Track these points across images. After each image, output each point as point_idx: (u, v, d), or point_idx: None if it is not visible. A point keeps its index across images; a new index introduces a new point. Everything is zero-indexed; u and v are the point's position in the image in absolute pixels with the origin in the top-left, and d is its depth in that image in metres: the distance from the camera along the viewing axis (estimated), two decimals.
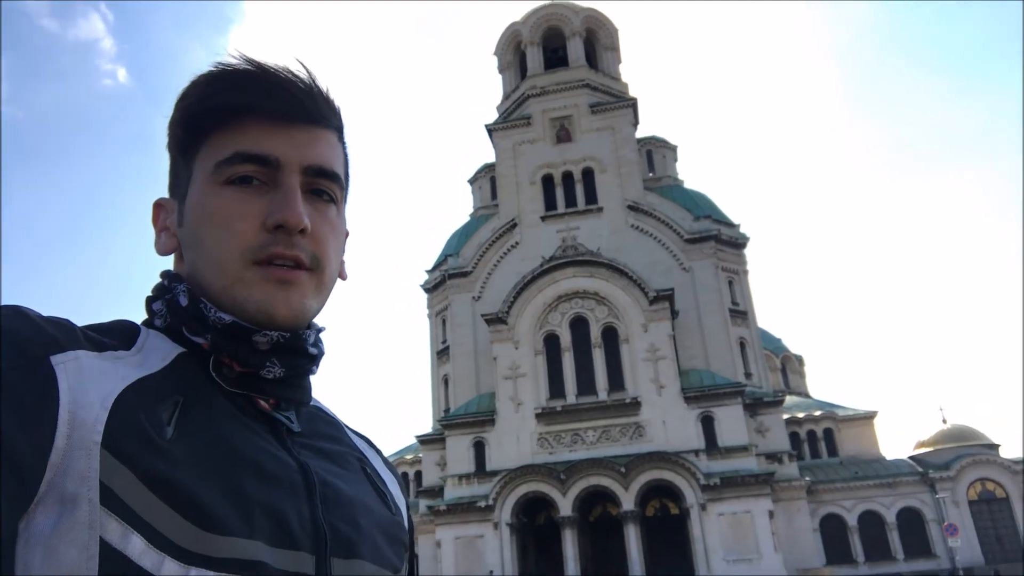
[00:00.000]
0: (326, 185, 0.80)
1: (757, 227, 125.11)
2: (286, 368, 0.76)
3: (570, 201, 43.83)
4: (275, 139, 0.76)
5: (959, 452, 37.98)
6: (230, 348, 0.74)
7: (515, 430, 36.39)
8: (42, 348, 0.63)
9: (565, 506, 33.79)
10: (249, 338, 0.74)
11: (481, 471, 36.10)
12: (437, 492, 37.64)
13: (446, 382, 43.74)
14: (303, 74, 0.79)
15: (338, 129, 0.83)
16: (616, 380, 36.79)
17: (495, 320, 38.55)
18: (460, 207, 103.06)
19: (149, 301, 0.81)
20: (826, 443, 41.77)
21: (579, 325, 38.22)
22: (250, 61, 0.77)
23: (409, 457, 44.53)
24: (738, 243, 43.97)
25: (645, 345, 36.78)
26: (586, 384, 37.03)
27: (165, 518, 0.61)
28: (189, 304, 0.76)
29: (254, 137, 0.76)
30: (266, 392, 0.77)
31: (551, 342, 38.14)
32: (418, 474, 42.90)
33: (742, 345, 41.49)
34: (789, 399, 44.91)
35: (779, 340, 57.24)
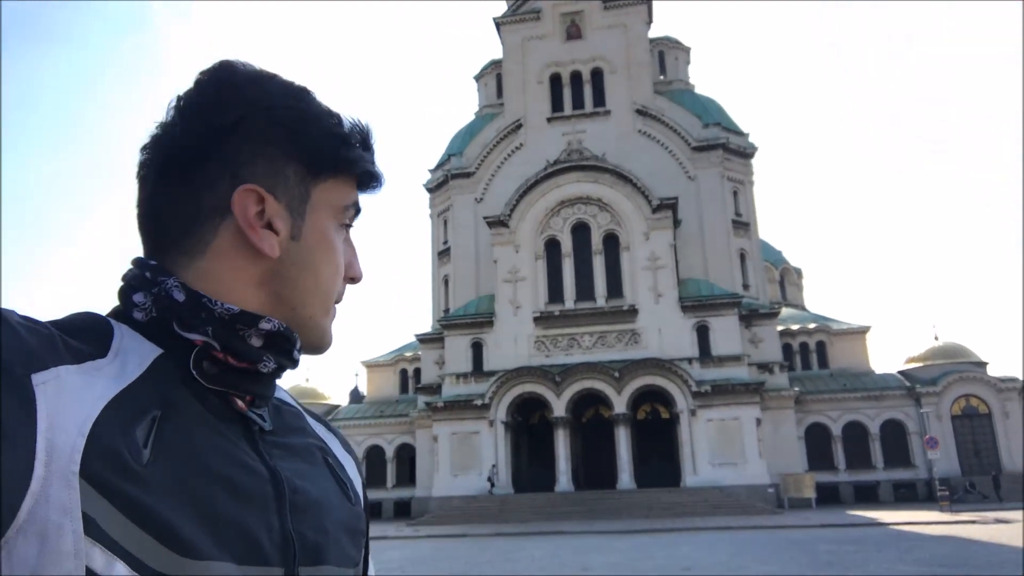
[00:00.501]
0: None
1: (765, 136, 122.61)
2: (278, 365, 0.78)
3: (577, 103, 42.83)
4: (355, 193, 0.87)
5: (947, 368, 38.74)
6: (231, 342, 0.75)
7: (513, 333, 36.97)
8: (24, 366, 0.61)
9: (559, 407, 34.78)
10: (247, 330, 0.76)
11: (479, 371, 36.93)
12: (435, 389, 38.64)
13: (446, 283, 44.08)
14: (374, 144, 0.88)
15: None
16: (615, 287, 37.07)
17: (497, 223, 38.46)
18: (465, 105, 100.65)
19: (127, 292, 0.77)
20: (818, 355, 42.57)
21: (580, 231, 38.15)
22: (362, 128, 0.85)
23: (409, 355, 45.46)
24: (746, 153, 43.27)
25: (646, 253, 36.83)
26: (585, 290, 37.33)
27: (145, 546, 0.61)
28: (187, 299, 0.75)
29: (353, 190, 0.86)
30: (242, 389, 0.77)
31: (552, 247, 38.18)
32: (417, 371, 43.96)
33: (742, 256, 41.55)
34: (785, 311, 45.41)
35: (779, 252, 57.32)
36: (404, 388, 45.22)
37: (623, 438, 34.13)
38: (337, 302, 0.85)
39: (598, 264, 37.44)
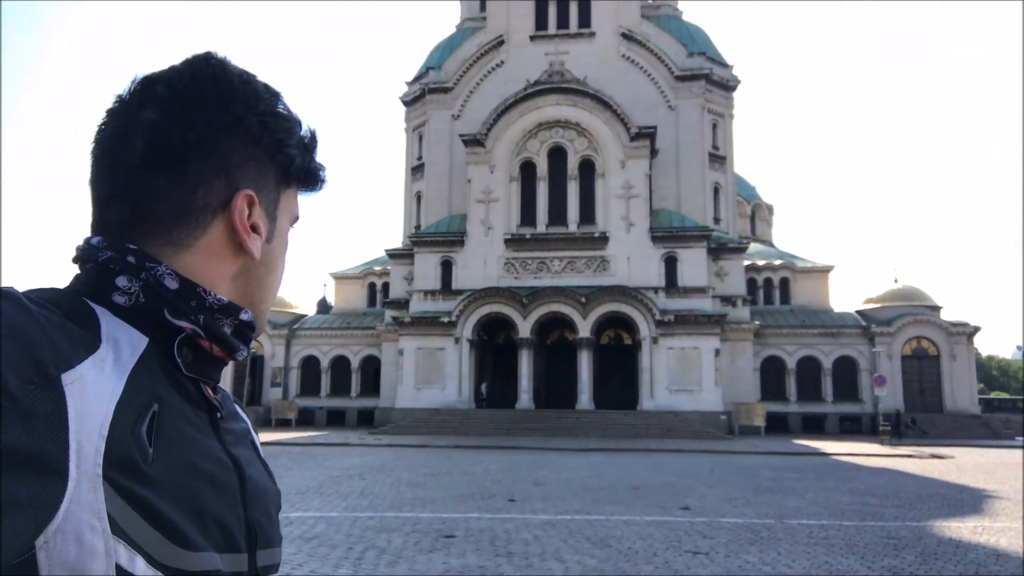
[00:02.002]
0: None
1: (748, 69, 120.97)
2: (245, 352, 0.85)
3: (562, 22, 41.72)
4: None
5: (903, 311, 39.88)
6: (216, 331, 0.79)
7: (483, 253, 37.06)
8: (55, 365, 0.63)
9: (525, 329, 35.31)
10: (224, 320, 0.81)
11: (447, 289, 37.14)
12: (403, 304, 38.86)
13: (419, 199, 43.69)
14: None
15: None
16: (587, 214, 37.13)
17: (473, 142, 37.94)
18: (447, 16, 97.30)
19: (108, 274, 0.76)
20: (781, 291, 43.46)
21: (557, 155, 37.85)
22: (315, 137, 0.91)
23: (378, 269, 45.40)
24: (728, 85, 42.84)
25: (621, 182, 36.79)
26: (557, 215, 37.35)
27: (154, 541, 0.65)
28: (180, 287, 0.76)
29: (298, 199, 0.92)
30: (210, 376, 0.81)
31: (527, 169, 37.91)
32: (386, 285, 44.04)
33: (716, 190, 41.71)
34: (753, 246, 46.00)
35: (753, 188, 57.55)
36: (372, 301, 45.34)
37: (585, 361, 34.91)
38: None
39: (572, 189, 37.35)
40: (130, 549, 0.63)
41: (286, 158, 0.85)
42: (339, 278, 46.62)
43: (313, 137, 0.90)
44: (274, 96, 0.86)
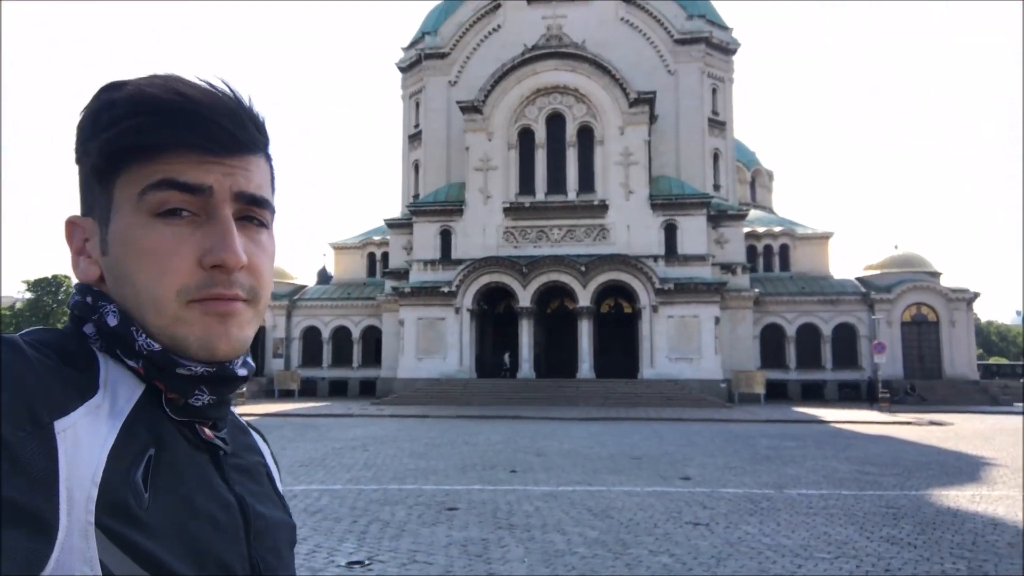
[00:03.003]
0: (257, 212, 0.78)
1: (748, 32, 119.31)
2: (215, 395, 0.77)
3: None
4: (205, 168, 0.73)
5: (902, 277, 39.86)
6: (159, 375, 0.74)
7: (482, 222, 36.92)
8: (48, 413, 0.62)
9: (525, 298, 35.32)
10: (173, 368, 0.74)
11: (446, 259, 37.07)
12: (403, 274, 38.83)
13: (417, 168, 43.37)
14: (231, 100, 0.75)
15: (266, 149, 0.81)
16: (587, 181, 36.90)
17: (470, 108, 37.55)
18: None
19: (78, 322, 0.76)
20: (780, 258, 43.39)
21: (555, 122, 37.50)
22: (174, 89, 0.73)
23: (377, 239, 45.26)
24: (728, 49, 42.27)
25: (620, 148, 36.50)
26: (556, 183, 37.12)
27: None
28: (119, 325, 0.74)
29: (183, 166, 0.73)
30: (206, 416, 0.78)
31: (525, 136, 37.58)
32: (385, 255, 43.95)
33: (716, 156, 41.40)
34: (753, 213, 45.81)
35: (753, 153, 57.16)
36: (372, 271, 45.30)
37: (585, 330, 34.99)
38: (212, 298, 0.74)
39: (571, 157, 37.08)
40: None
41: (88, 153, 0.76)
42: (338, 248, 46.51)
43: (128, 101, 0.73)
44: (90, 103, 0.77)
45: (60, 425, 0.62)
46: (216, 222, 0.74)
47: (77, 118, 0.77)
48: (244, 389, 33.53)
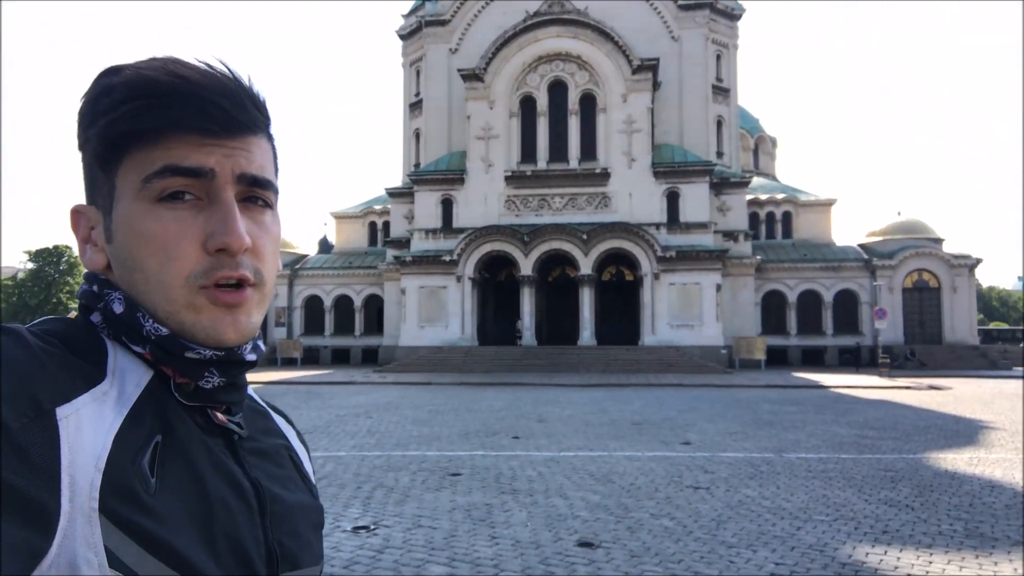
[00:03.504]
0: (261, 193, 0.77)
1: None
2: (225, 377, 0.77)
3: None
4: (206, 151, 0.73)
5: (904, 243, 39.81)
6: (168, 359, 0.74)
7: (484, 191, 36.80)
8: (50, 399, 0.62)
9: (526, 266, 35.34)
10: (182, 352, 0.74)
11: (448, 228, 37.02)
12: (404, 243, 38.82)
13: (418, 136, 43.09)
14: (230, 81, 0.75)
15: (267, 129, 0.80)
16: (589, 149, 36.69)
17: (471, 76, 37.20)
18: None
19: (86, 312, 0.77)
20: (783, 225, 43.30)
21: (557, 89, 37.16)
22: (172, 72, 0.73)
23: (378, 208, 45.16)
24: (733, 14, 41.71)
25: (622, 116, 36.22)
26: (558, 151, 36.91)
27: (157, 573, 0.64)
28: (125, 312, 0.74)
29: (184, 150, 0.72)
30: (217, 400, 0.78)
31: (527, 104, 37.28)
32: (386, 224, 43.91)
33: (719, 123, 41.08)
34: (755, 180, 45.58)
35: (756, 120, 56.67)
36: (373, 240, 45.29)
37: (587, 298, 35.06)
38: (219, 281, 0.73)
39: (573, 125, 36.81)
40: None
41: (89, 139, 0.76)
42: (340, 217, 46.43)
43: (126, 87, 0.72)
44: (89, 90, 0.75)
45: (62, 411, 0.62)
46: (219, 205, 0.73)
47: (77, 105, 0.76)
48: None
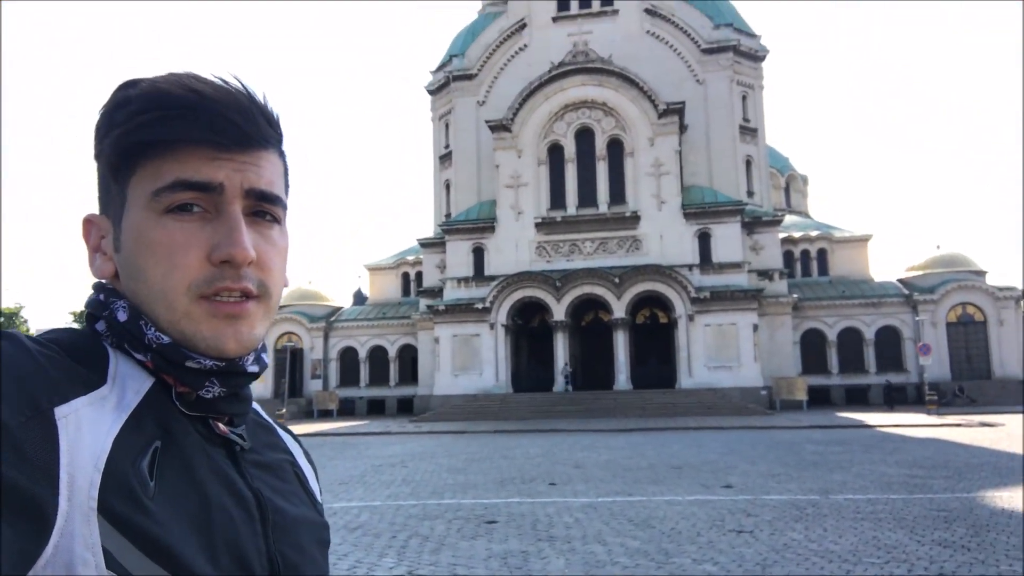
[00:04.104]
0: (269, 208, 0.78)
1: (777, 38, 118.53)
2: (226, 388, 0.77)
3: (584, 1, 41.22)
4: (216, 165, 0.74)
5: (946, 277, 38.93)
6: (169, 368, 0.74)
7: (514, 238, 37.03)
8: (48, 399, 0.62)
9: (559, 311, 35.26)
10: (183, 361, 0.74)
11: (480, 275, 37.21)
12: (437, 292, 39.06)
13: (448, 187, 43.74)
14: (243, 96, 0.77)
15: (279, 145, 0.82)
16: (618, 193, 36.84)
17: (499, 127, 37.82)
18: (469, 3, 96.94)
19: (91, 319, 0.78)
20: (818, 263, 42.73)
21: (584, 136, 37.56)
22: (186, 85, 0.74)
23: (411, 259, 45.65)
24: (757, 55, 42.01)
25: (650, 159, 36.39)
26: (587, 196, 37.12)
27: (154, 575, 0.63)
28: (128, 320, 0.75)
29: (195, 164, 0.73)
30: (219, 410, 0.78)
31: (555, 152, 37.70)
32: (419, 275, 44.29)
33: (748, 163, 41.04)
34: (788, 218, 45.26)
35: (786, 159, 56.54)
36: (406, 291, 45.68)
37: (621, 341, 34.77)
38: (221, 292, 0.74)
39: (601, 170, 37.07)
40: None
41: (104, 150, 0.76)
42: (373, 269, 47.01)
43: (142, 97, 0.74)
44: (109, 101, 0.77)
45: (60, 411, 0.63)
46: (225, 218, 0.74)
47: (95, 117, 0.78)
48: (284, 410, 33.93)
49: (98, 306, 0.77)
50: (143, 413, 0.69)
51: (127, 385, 0.71)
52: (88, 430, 0.64)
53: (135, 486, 0.64)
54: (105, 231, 0.78)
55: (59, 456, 0.61)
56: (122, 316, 0.75)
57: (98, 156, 0.78)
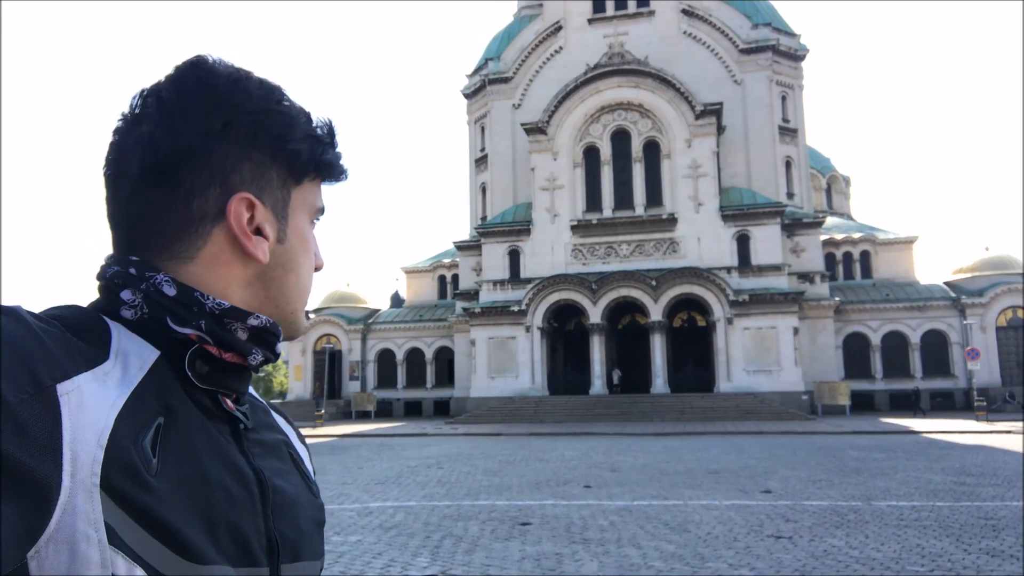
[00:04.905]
0: None
1: (818, 37, 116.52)
2: (265, 356, 0.80)
3: (620, 3, 41.02)
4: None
5: (995, 280, 37.81)
6: (222, 336, 0.76)
7: (550, 240, 36.97)
8: (50, 376, 0.62)
9: (595, 314, 35.08)
10: (234, 324, 0.78)
11: (515, 278, 37.22)
12: (473, 295, 39.18)
13: (484, 190, 43.86)
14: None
15: None
16: (654, 195, 36.55)
17: (534, 130, 37.81)
18: (504, 6, 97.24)
19: (115, 288, 0.76)
20: (861, 265, 41.84)
21: (620, 138, 37.35)
22: (332, 127, 0.88)
23: (447, 261, 45.87)
24: (796, 55, 41.34)
25: (687, 161, 36.04)
26: (623, 198, 36.89)
27: (156, 552, 0.64)
28: (178, 293, 0.75)
29: (321, 190, 0.90)
30: (229, 388, 0.79)
31: (591, 154, 37.55)
32: (455, 277, 44.49)
33: (788, 164, 40.38)
34: (830, 220, 44.42)
35: (827, 160, 55.50)
36: (443, 293, 45.91)
37: (658, 345, 34.45)
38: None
39: (637, 172, 36.82)
40: (129, 560, 0.62)
41: (289, 154, 0.82)
42: (410, 272, 47.36)
43: (328, 128, 0.87)
44: (270, 92, 0.82)
45: (62, 388, 0.62)
46: (314, 234, 0.90)
47: (261, 97, 0.81)
48: (323, 411, 34.32)
49: (128, 279, 0.76)
50: (146, 388, 0.69)
51: (130, 361, 0.70)
52: (91, 406, 0.64)
53: (137, 463, 0.64)
54: (270, 223, 0.82)
55: (62, 433, 0.61)
56: (170, 290, 0.75)
57: (278, 155, 0.82)
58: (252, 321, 0.78)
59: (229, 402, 0.79)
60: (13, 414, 0.58)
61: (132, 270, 0.76)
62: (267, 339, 0.80)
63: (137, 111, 0.79)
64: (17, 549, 0.57)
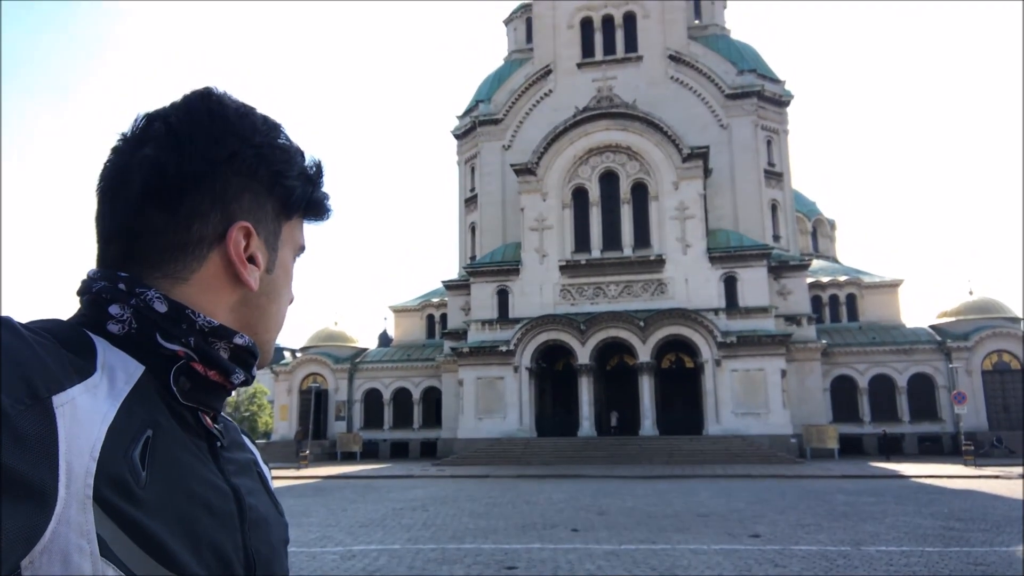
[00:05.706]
0: None
1: (802, 83, 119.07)
2: (246, 377, 0.83)
3: (608, 48, 41.88)
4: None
5: (980, 324, 38.10)
6: (209, 354, 0.78)
7: (539, 281, 37.06)
8: (46, 388, 0.63)
9: (583, 355, 35.01)
10: (219, 343, 0.80)
11: (504, 318, 37.18)
12: (461, 335, 39.05)
13: (473, 230, 44.08)
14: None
15: None
16: (642, 237, 36.82)
17: (524, 171, 38.18)
18: (494, 50, 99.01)
19: (102, 303, 0.77)
20: (848, 308, 42.09)
21: (609, 180, 37.76)
22: (320, 168, 0.92)
23: (435, 301, 45.81)
24: (781, 100, 42.16)
25: (675, 203, 36.42)
26: (612, 239, 37.14)
27: (145, 566, 0.65)
28: (169, 310, 0.77)
29: (304, 229, 0.93)
30: (210, 405, 0.80)
31: (579, 195, 37.90)
32: (443, 317, 44.37)
33: (774, 207, 40.89)
34: (816, 263, 44.80)
35: (813, 203, 56.21)
36: (431, 333, 45.73)
37: (647, 386, 34.35)
38: None
39: (626, 213, 37.14)
40: (120, 573, 0.63)
41: (285, 190, 0.86)
42: (398, 311, 47.22)
43: (318, 168, 0.90)
44: (273, 128, 0.86)
45: (58, 400, 0.63)
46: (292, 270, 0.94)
47: (265, 132, 0.85)
48: (308, 452, 33.84)
49: (117, 293, 0.77)
50: (133, 403, 0.70)
51: (116, 374, 0.71)
52: (84, 419, 0.65)
53: (127, 475, 0.65)
54: (262, 252, 0.85)
55: (58, 444, 0.62)
56: (161, 307, 0.77)
57: (275, 189, 0.86)
58: (237, 340, 0.81)
59: (208, 419, 0.81)
60: (12, 425, 0.59)
61: (121, 285, 0.78)
62: (247, 360, 0.83)
63: (139, 133, 0.81)
64: (13, 558, 0.58)
